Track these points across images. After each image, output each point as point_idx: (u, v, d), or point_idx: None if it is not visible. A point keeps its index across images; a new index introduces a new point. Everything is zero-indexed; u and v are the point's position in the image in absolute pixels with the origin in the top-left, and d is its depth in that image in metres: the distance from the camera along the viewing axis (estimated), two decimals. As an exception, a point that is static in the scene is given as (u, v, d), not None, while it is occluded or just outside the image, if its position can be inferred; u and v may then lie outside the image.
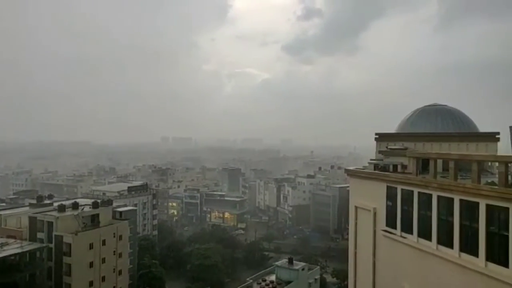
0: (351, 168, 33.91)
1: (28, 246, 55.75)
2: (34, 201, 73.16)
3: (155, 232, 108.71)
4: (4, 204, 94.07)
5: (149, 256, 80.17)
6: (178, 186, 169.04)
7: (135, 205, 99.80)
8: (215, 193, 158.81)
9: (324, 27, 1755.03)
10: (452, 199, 19.81)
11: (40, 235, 59.63)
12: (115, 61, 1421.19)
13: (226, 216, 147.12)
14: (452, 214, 19.84)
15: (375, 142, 34.78)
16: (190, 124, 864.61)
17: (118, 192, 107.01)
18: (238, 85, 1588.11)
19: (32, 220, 60.68)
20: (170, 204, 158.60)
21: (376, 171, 28.82)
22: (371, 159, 32.75)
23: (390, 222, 25.55)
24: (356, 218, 30.59)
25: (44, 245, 57.79)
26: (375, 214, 27.50)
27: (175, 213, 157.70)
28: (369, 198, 28.58)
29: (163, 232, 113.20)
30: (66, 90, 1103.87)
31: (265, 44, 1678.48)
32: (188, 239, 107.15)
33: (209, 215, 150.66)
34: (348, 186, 40.26)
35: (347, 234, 35.82)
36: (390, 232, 25.37)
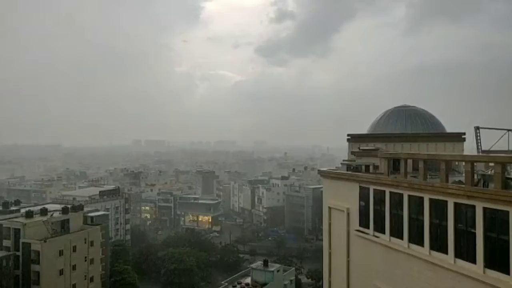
0: (324, 169, 34.48)
1: (-7, 255, 53.48)
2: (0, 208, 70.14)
3: (128, 237, 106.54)
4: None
5: (122, 261, 78.43)
6: (151, 190, 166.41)
7: (107, 209, 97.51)
8: (189, 196, 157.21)
9: (297, 29, 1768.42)
10: (422, 198, 20.47)
11: (6, 242, 57.22)
12: (84, 63, 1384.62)
13: (200, 219, 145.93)
14: (422, 213, 20.50)
15: (347, 143, 35.52)
16: (163, 126, 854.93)
17: (89, 196, 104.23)
18: (211, 87, 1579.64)
19: (-2, 227, 58.20)
20: (143, 208, 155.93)
21: (349, 172, 29.41)
22: (344, 160, 33.42)
23: (363, 222, 26.12)
24: (330, 219, 31.09)
25: (10, 253, 55.50)
26: (348, 214, 28.04)
27: (148, 217, 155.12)
28: (343, 199, 29.11)
29: (136, 236, 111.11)
30: (33, 92, 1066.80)
31: (238, 46, 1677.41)
32: (162, 243, 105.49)
33: (183, 219, 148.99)
34: (321, 187, 40.87)
35: (322, 234, 36.34)
36: (363, 232, 25.93)
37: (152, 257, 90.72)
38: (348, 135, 35.33)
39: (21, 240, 56.31)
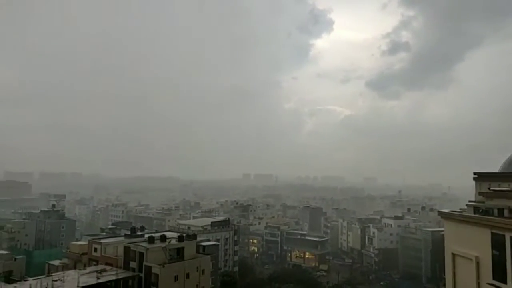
0: (446, 210, 30.96)
1: (122, 274, 59.61)
2: (128, 232, 78.81)
3: (236, 269, 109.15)
4: (104, 233, 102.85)
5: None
6: (259, 223, 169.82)
7: (218, 240, 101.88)
8: (295, 231, 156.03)
9: (412, 61, 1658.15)
10: None
11: (132, 264, 63.30)
12: (200, 103, 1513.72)
13: (307, 256, 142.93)
14: None
15: (473, 182, 31.66)
16: (271, 161, 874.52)
17: (202, 226, 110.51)
18: (319, 122, 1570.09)
19: (126, 249, 64.92)
20: (251, 240, 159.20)
21: (477, 215, 25.86)
22: (470, 201, 29.70)
23: (499, 274, 22.38)
24: (454, 267, 27.44)
25: (135, 274, 61.15)
26: (477, 263, 24.41)
27: (256, 250, 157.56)
28: (469, 245, 25.55)
29: (244, 268, 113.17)
30: (157, 129, 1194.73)
31: (348, 80, 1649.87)
32: (268, 278, 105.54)
33: (289, 254, 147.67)
34: (442, 230, 36.60)
35: (444, 284, 32.18)
36: (499, 287, 22.18)
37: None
38: (475, 173, 31.45)
39: (144, 263, 61.76)
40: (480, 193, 29.88)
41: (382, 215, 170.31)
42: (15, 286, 51.90)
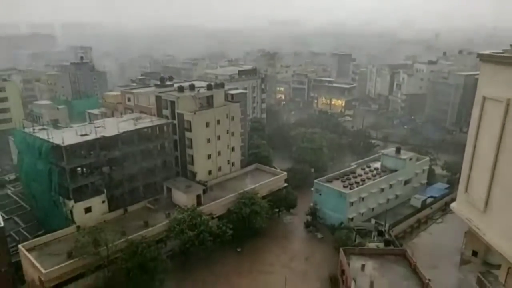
0: (485, 52, 28.92)
1: (157, 121, 63.68)
2: (158, 82, 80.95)
3: (264, 115, 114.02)
4: (134, 84, 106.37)
5: (258, 136, 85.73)
6: (286, 71, 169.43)
7: (245, 88, 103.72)
8: (323, 79, 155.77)
9: None
10: None
11: (165, 112, 66.96)
12: None
13: (333, 102, 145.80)
14: None
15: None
16: (300, 5, 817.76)
17: (229, 75, 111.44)
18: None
19: (158, 99, 67.80)
20: (278, 88, 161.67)
21: (519, 56, 24.13)
22: (514, 42, 27.36)
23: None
24: (482, 109, 27.10)
25: (169, 120, 65.21)
26: (507, 105, 23.87)
27: (283, 97, 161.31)
28: (504, 88, 24.58)
29: (271, 115, 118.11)
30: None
31: None
32: (294, 123, 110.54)
33: (316, 101, 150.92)
34: (477, 74, 34.96)
35: (467, 126, 32.39)
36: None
37: (284, 135, 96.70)
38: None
39: (176, 111, 65.05)
40: (526, 32, 27.23)
41: (415, 60, 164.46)
42: (63, 131, 56.90)
